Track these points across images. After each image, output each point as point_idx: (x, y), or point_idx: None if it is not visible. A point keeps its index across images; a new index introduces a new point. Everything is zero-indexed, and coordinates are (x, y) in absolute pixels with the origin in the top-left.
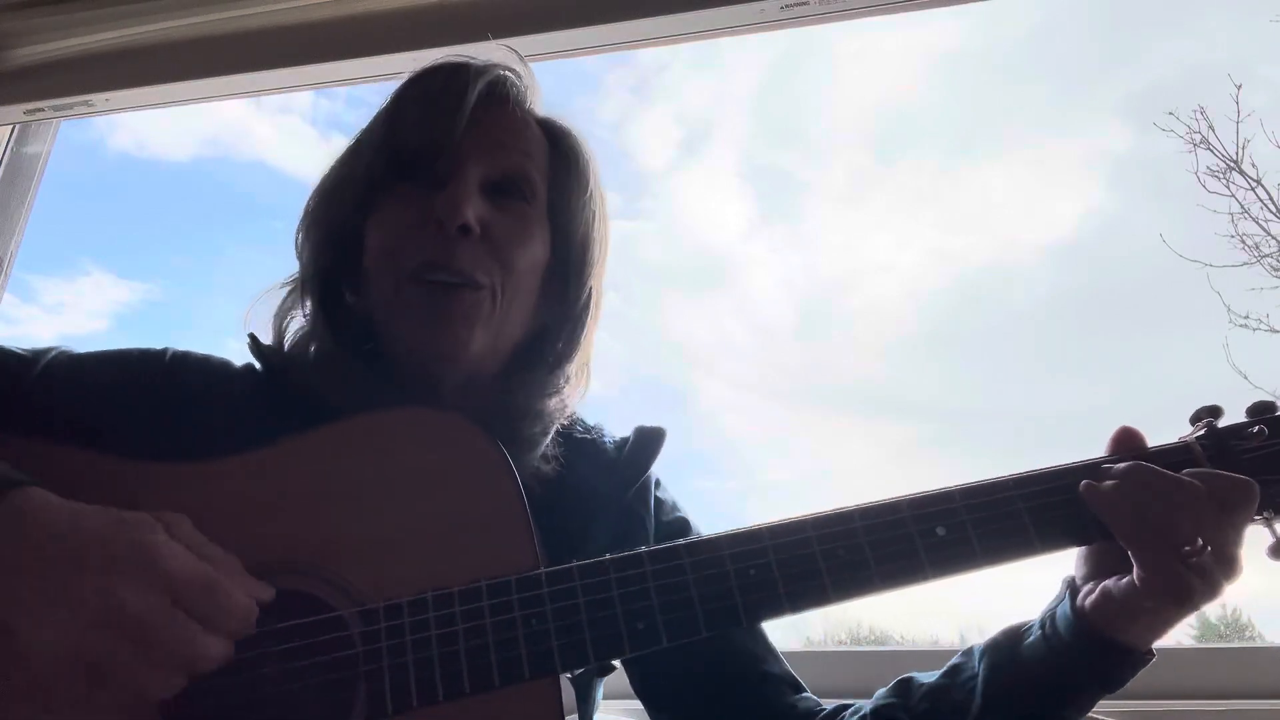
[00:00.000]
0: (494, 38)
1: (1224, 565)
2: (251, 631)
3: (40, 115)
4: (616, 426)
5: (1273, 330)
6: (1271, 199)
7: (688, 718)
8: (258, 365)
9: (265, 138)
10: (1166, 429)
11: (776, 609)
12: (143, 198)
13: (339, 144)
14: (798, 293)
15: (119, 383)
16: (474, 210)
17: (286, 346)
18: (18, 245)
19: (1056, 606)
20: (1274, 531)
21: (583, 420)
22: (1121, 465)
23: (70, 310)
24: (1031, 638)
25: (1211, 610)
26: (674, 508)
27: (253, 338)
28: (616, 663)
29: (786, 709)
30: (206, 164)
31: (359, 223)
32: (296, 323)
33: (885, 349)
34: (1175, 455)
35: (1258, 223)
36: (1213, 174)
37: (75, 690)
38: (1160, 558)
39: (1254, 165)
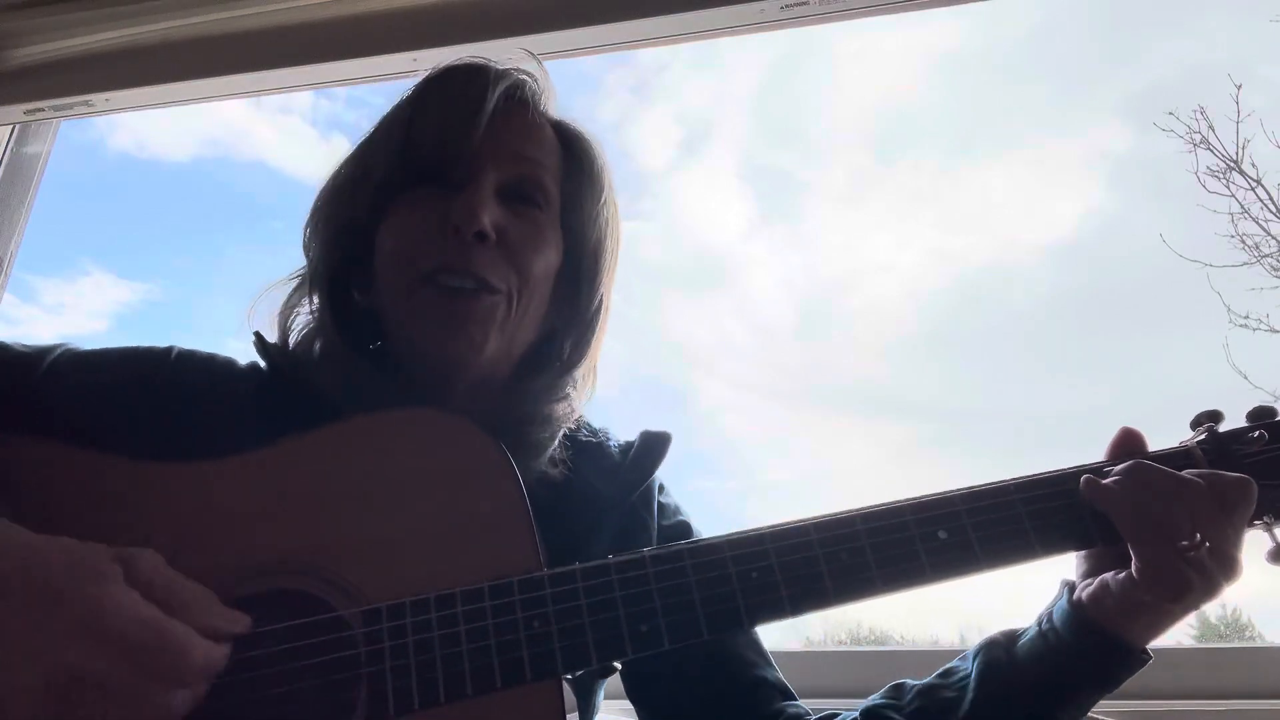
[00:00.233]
0: (494, 38)
1: (1223, 565)
2: (214, 677)
3: (40, 115)
4: (616, 427)
5: (1273, 330)
6: (1271, 199)
7: (675, 718)
8: (262, 364)
9: (265, 138)
10: (1166, 429)
11: (778, 611)
12: (143, 198)
13: (339, 144)
14: (798, 293)
15: (124, 381)
16: (490, 216)
17: (292, 344)
18: (18, 245)
19: (1054, 605)
20: (1274, 536)
21: (588, 424)
22: (1123, 464)
23: (70, 310)
24: (1028, 635)
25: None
26: (676, 511)
27: (258, 336)
28: (618, 664)
29: (774, 715)
30: (207, 164)
31: (371, 223)
32: (301, 319)
33: (885, 349)
34: (1176, 459)
35: (1258, 223)
36: (1213, 174)
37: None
38: (1158, 551)
39: (1254, 165)
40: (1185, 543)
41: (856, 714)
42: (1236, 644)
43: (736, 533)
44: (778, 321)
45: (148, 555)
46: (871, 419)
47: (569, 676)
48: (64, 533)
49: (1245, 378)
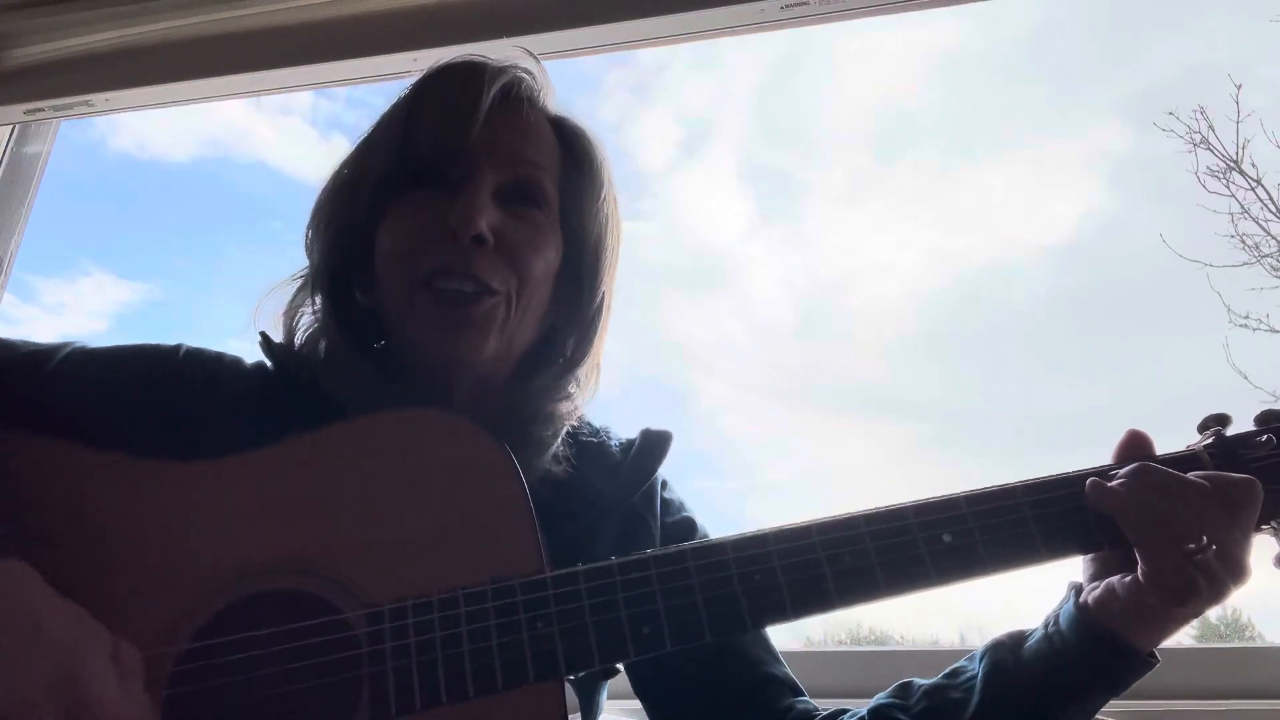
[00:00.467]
0: (494, 38)
1: (1230, 567)
2: None
3: (40, 115)
4: (617, 426)
5: (1273, 330)
6: (1271, 199)
7: (684, 716)
8: (269, 363)
9: (266, 138)
10: (1167, 429)
11: (781, 614)
12: (143, 198)
13: (339, 144)
14: (798, 293)
15: (132, 378)
16: (487, 219)
17: (297, 343)
18: (18, 245)
19: (1060, 607)
20: None
21: (589, 423)
22: (1129, 466)
23: (70, 310)
24: (1035, 637)
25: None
26: (680, 508)
27: (264, 336)
28: (621, 666)
29: (783, 711)
30: (207, 164)
31: (370, 224)
32: (307, 319)
33: (885, 349)
34: (1183, 463)
35: (1258, 223)
36: (1213, 174)
37: None
38: (1164, 554)
39: (1254, 165)
40: (1192, 546)
41: (864, 712)
42: (1236, 644)
43: (740, 534)
44: (778, 321)
45: (136, 658)
46: (871, 419)
47: (571, 677)
48: (69, 529)
49: (1245, 378)
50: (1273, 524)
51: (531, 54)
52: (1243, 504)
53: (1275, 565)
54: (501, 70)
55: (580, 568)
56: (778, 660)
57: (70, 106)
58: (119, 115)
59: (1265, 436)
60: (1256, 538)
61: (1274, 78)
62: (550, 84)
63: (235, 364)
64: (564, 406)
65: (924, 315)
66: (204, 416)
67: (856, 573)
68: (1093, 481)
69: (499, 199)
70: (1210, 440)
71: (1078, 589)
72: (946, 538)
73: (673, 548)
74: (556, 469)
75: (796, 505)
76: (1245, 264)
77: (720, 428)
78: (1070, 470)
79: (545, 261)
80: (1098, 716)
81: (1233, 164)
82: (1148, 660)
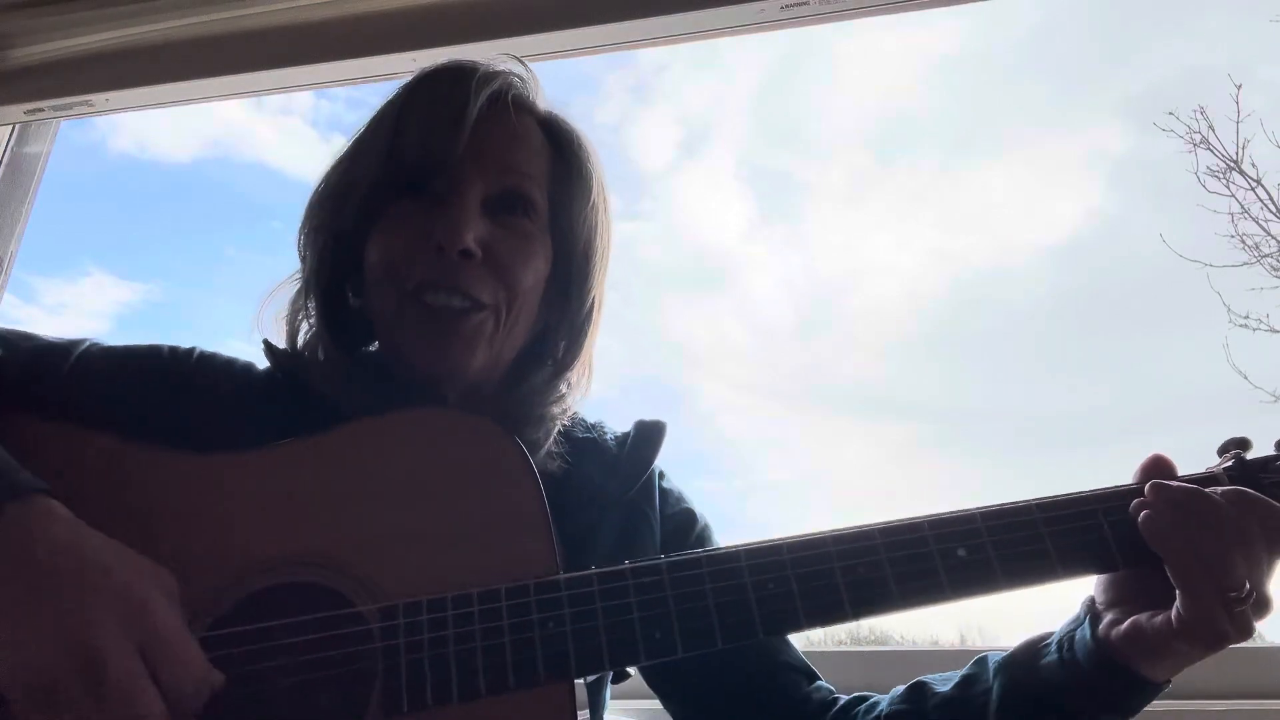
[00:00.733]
0: (494, 38)
1: (1260, 609)
2: (197, 708)
3: (40, 115)
4: (617, 426)
5: (1273, 330)
6: (1271, 199)
7: (701, 707)
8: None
9: (266, 139)
10: (1167, 429)
11: (794, 624)
12: (144, 198)
13: (339, 145)
14: (798, 293)
15: (147, 378)
16: (474, 233)
17: (299, 345)
18: (18, 245)
19: (1075, 630)
20: None
21: (583, 420)
22: (1178, 487)
23: (71, 311)
24: (1048, 659)
25: None
26: (679, 499)
27: (267, 343)
28: (631, 669)
29: (802, 699)
30: (207, 165)
31: (359, 232)
32: (306, 323)
33: (885, 349)
34: (1203, 486)
35: (1258, 223)
36: (1213, 174)
37: (35, 713)
38: (1209, 601)
39: (1254, 165)
40: (1234, 594)
41: (883, 707)
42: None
43: (754, 542)
44: (778, 322)
45: (174, 583)
46: (871, 419)
47: (582, 680)
48: (88, 517)
49: (1245, 378)
50: None
51: (520, 60)
52: (1275, 536)
53: None
54: (489, 76)
55: (594, 570)
56: (791, 647)
57: (70, 106)
58: (119, 115)
59: None
60: None
61: (1274, 78)
62: (540, 87)
63: (246, 369)
64: (556, 408)
65: (924, 315)
66: (214, 419)
67: (870, 585)
68: (1147, 516)
69: (487, 210)
70: (1230, 464)
71: (1093, 613)
72: (961, 552)
73: (687, 554)
74: (552, 466)
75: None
76: (1245, 264)
77: (720, 428)
78: (1087, 490)
79: (534, 272)
80: None
81: (1233, 164)
82: (1162, 688)
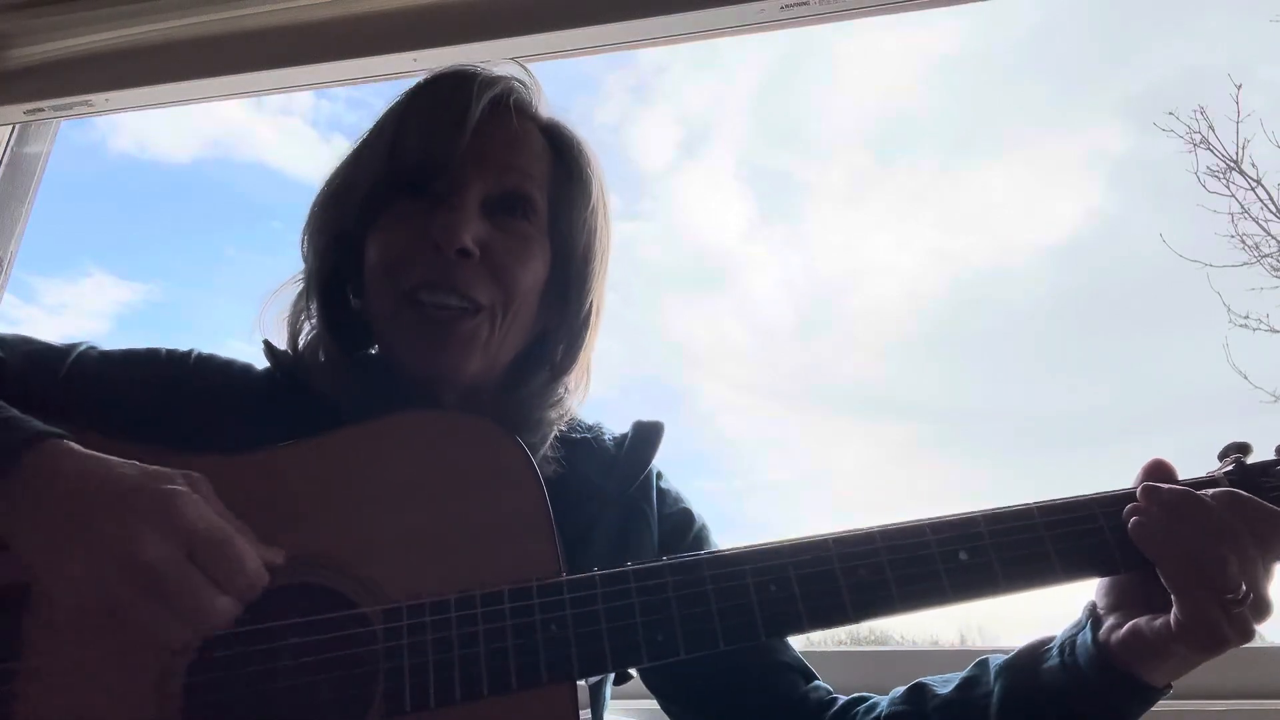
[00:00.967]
0: (494, 38)
1: (1259, 611)
2: (258, 594)
3: (40, 115)
4: (616, 427)
5: (1273, 330)
6: (1271, 199)
7: (699, 706)
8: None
9: (266, 139)
10: (1167, 429)
11: (796, 626)
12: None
13: (339, 145)
14: (798, 293)
15: (144, 381)
16: (472, 233)
17: (300, 346)
18: (18, 245)
19: (1077, 634)
20: None
21: (581, 421)
22: (1169, 489)
23: (71, 311)
24: (1049, 663)
25: None
26: (677, 499)
27: (267, 343)
28: (633, 671)
29: (799, 699)
30: (207, 165)
31: (360, 233)
32: (308, 324)
33: (885, 349)
34: (1203, 489)
35: (1258, 223)
36: (1213, 174)
37: (94, 633)
38: (1205, 604)
39: (1254, 165)
40: (1230, 596)
41: (883, 708)
42: None
43: (755, 545)
44: (778, 322)
45: (204, 479)
46: (871, 419)
47: (584, 681)
48: None
49: (1245, 378)
50: None
51: (523, 65)
52: (1270, 539)
53: None
54: (492, 80)
55: (596, 572)
56: (789, 647)
57: (70, 106)
58: (119, 115)
59: None
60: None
61: (1274, 78)
62: (543, 92)
63: (245, 370)
64: (553, 412)
65: (924, 315)
66: (214, 422)
67: (872, 588)
68: (1137, 522)
69: (486, 211)
70: (1230, 468)
71: (1094, 617)
72: (963, 555)
73: (689, 555)
74: (547, 470)
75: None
76: (1245, 264)
77: (720, 428)
78: (1088, 493)
79: (532, 274)
80: None
81: (1233, 164)
82: (1164, 693)
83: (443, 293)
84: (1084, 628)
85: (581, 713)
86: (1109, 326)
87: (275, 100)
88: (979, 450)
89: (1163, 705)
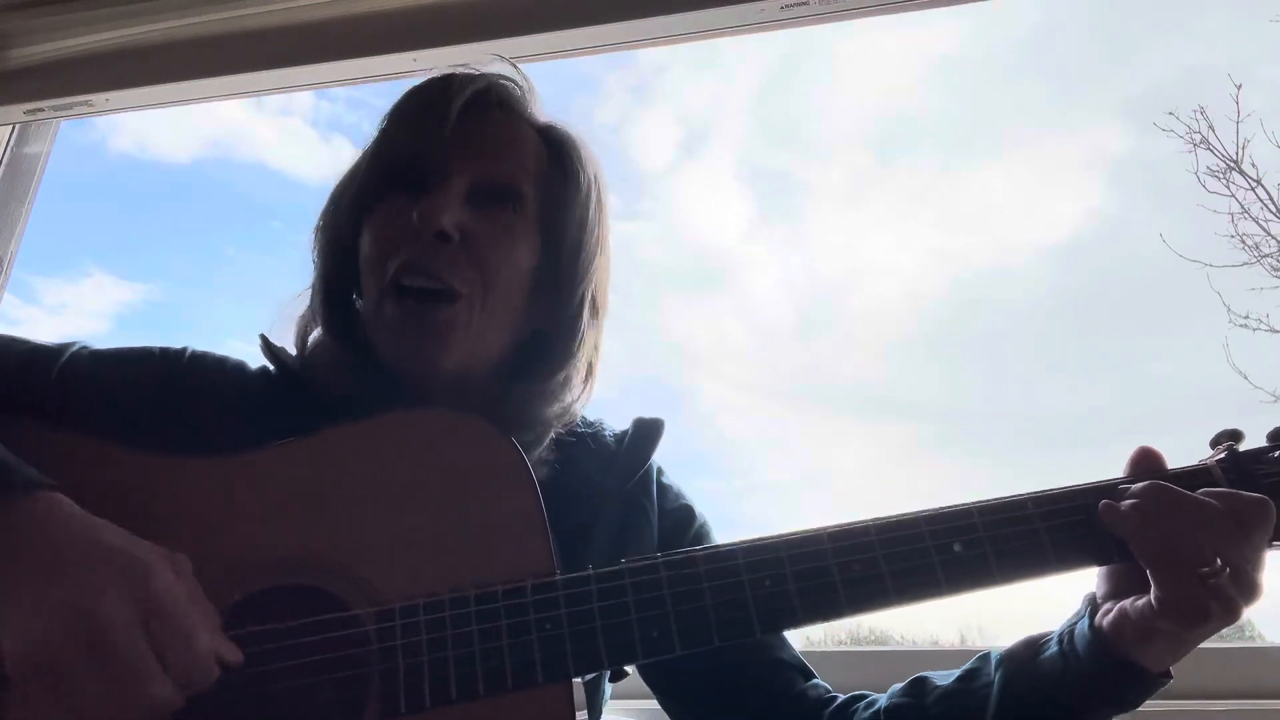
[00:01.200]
0: (494, 38)
1: (1243, 587)
2: (206, 689)
3: (40, 115)
4: (616, 426)
5: (1273, 330)
6: (1271, 199)
7: (696, 704)
8: (270, 367)
9: (266, 139)
10: (1166, 429)
11: (791, 620)
12: (144, 199)
13: (339, 145)
14: (798, 293)
15: (138, 380)
16: (453, 217)
17: (307, 352)
18: (18, 245)
19: (1075, 623)
20: None
21: (583, 417)
22: (1140, 485)
23: (71, 311)
24: (1049, 652)
25: None
26: (678, 495)
27: (264, 338)
28: (629, 668)
29: (797, 696)
30: (207, 165)
31: (354, 233)
32: (318, 331)
33: (885, 349)
34: (1195, 478)
35: (1258, 223)
36: (1213, 174)
37: (39, 689)
38: (1178, 578)
39: (1254, 165)
40: (1205, 569)
41: (881, 704)
42: (1237, 644)
43: (750, 540)
44: (778, 322)
45: (188, 561)
46: (871, 419)
47: (579, 679)
48: None
49: (1245, 378)
50: None
51: (514, 65)
52: (1256, 524)
53: None
54: (475, 76)
55: (590, 570)
56: (787, 644)
57: (70, 106)
58: (119, 115)
59: (1278, 453)
60: (1268, 553)
61: (1274, 78)
62: (536, 92)
63: (239, 368)
64: (551, 410)
65: (924, 315)
66: (208, 420)
67: (867, 581)
68: (1105, 505)
69: (472, 199)
70: (1223, 455)
71: (1093, 606)
72: (957, 547)
73: (683, 552)
74: (540, 473)
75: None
76: (1245, 264)
77: (720, 428)
78: (1082, 483)
79: (512, 262)
80: None
81: (1233, 164)
82: (1160, 680)
83: (421, 276)
84: (1083, 617)
85: (579, 713)
86: (1109, 326)
87: (275, 100)
88: (979, 450)
89: (1163, 705)
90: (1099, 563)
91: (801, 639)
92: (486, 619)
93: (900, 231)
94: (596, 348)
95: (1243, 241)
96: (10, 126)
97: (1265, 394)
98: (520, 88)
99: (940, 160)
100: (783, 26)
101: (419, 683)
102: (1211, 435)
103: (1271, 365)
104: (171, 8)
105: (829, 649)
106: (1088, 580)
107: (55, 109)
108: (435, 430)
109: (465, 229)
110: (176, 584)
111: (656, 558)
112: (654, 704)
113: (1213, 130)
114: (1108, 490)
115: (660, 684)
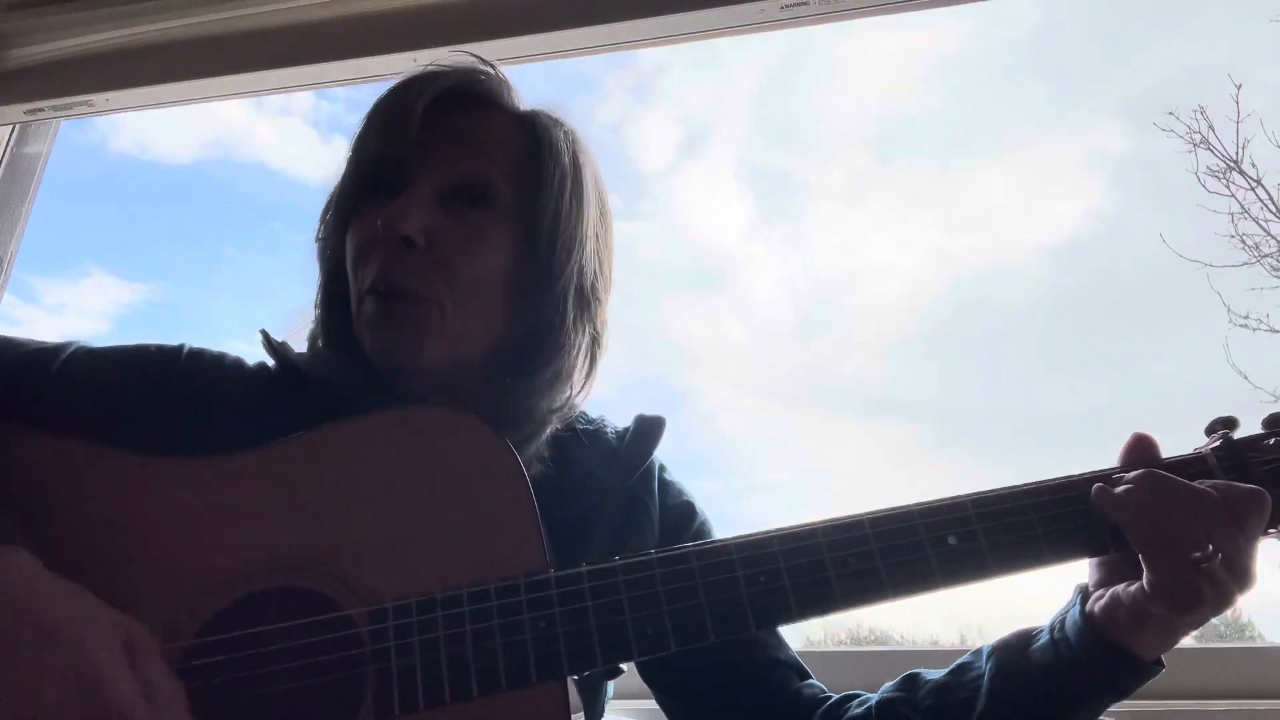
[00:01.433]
0: (494, 38)
1: (1236, 575)
2: None
3: (40, 115)
4: (618, 423)
5: (1273, 330)
6: (1271, 199)
7: (692, 702)
8: (270, 363)
9: (266, 139)
10: (1166, 429)
11: (786, 615)
12: (144, 199)
13: (339, 145)
14: (798, 293)
15: (135, 378)
16: (417, 222)
17: (310, 352)
18: (18, 245)
19: (1067, 612)
20: None
21: (585, 413)
22: (1135, 472)
23: (71, 311)
24: (1041, 641)
25: None
26: (680, 492)
27: (264, 334)
28: (625, 666)
29: (793, 696)
30: (207, 165)
31: (343, 240)
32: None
33: (885, 349)
34: (1190, 466)
35: (1258, 223)
36: (1213, 174)
37: None
38: (1171, 563)
39: (1254, 165)
40: (1198, 554)
41: (873, 701)
42: (1237, 644)
43: (744, 535)
44: (778, 322)
45: (152, 641)
46: (871, 419)
47: (575, 678)
48: (72, 525)
49: (1245, 378)
50: (1279, 528)
51: (485, 60)
52: (1250, 514)
53: None
54: (438, 75)
55: (584, 568)
56: (783, 644)
57: (70, 106)
58: (119, 115)
59: (1273, 440)
60: (1262, 541)
61: (1274, 78)
62: (508, 83)
63: (237, 365)
64: (543, 406)
65: (924, 315)
66: (206, 417)
67: (861, 575)
68: (1098, 488)
69: (443, 201)
70: (1217, 443)
71: (1084, 595)
72: (952, 540)
73: (677, 548)
74: (533, 471)
75: (797, 505)
76: (1245, 264)
77: (720, 428)
78: (1076, 473)
79: (483, 265)
80: (1100, 718)
81: (1233, 164)
82: (1152, 668)
83: (385, 285)
84: (1074, 605)
85: (576, 716)
86: (1109, 326)
87: (275, 100)
88: (979, 450)
89: (1163, 705)
90: (1094, 553)
91: (801, 639)
92: (480, 618)
93: (900, 231)
94: (596, 341)
95: (1243, 241)
96: (10, 126)
97: (1265, 394)
98: (490, 78)
99: (940, 160)
100: (783, 26)
101: (412, 683)
102: None
103: (1271, 365)
104: (171, 8)
105: (829, 649)
106: (1085, 576)
107: (55, 109)
108: (426, 429)
109: (432, 233)
110: (126, 683)
111: (650, 554)
112: (653, 704)
113: (1213, 130)
114: (1102, 479)
115: (657, 681)
